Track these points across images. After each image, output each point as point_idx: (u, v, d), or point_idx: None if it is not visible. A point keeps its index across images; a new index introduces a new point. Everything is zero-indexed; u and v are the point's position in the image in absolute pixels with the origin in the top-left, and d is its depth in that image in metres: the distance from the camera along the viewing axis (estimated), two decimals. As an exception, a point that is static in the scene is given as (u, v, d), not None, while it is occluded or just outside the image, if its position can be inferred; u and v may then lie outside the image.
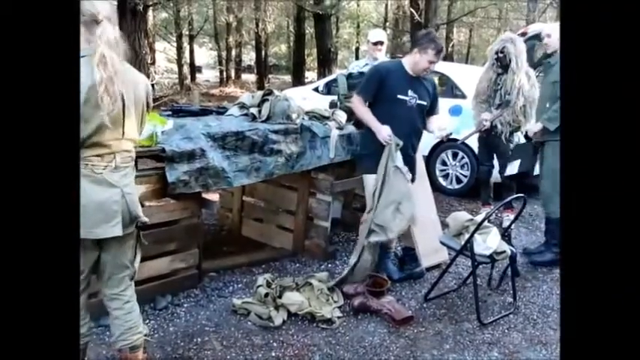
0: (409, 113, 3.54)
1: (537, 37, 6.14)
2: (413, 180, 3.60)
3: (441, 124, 3.76)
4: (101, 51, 1.94)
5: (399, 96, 3.49)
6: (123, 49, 2.04)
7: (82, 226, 1.92)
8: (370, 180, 3.52)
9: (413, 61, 3.51)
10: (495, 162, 5.01)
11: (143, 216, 2.23)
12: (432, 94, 3.67)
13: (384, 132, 3.42)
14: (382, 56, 4.79)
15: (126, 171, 2.15)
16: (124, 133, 2.09)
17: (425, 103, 3.60)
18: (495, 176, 5.09)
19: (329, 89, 6.99)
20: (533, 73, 4.86)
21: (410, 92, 3.51)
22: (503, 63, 4.63)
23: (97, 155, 2.03)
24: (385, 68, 3.61)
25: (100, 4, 2.02)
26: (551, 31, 4.06)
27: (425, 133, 3.80)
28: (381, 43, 4.73)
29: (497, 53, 4.64)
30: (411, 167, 3.58)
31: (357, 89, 3.70)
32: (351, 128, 4.03)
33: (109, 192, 2.07)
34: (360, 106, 3.59)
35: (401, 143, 3.44)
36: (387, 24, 20.45)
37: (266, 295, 3.19)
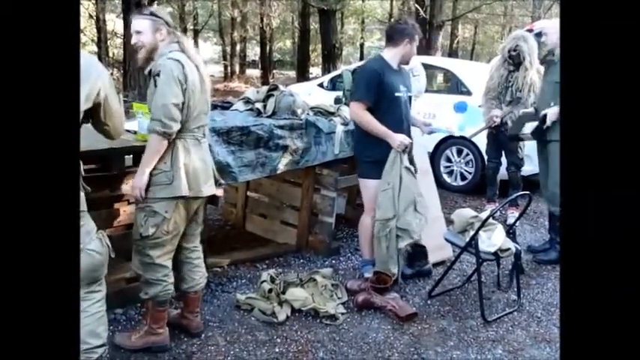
0: (405, 108, 3.44)
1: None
2: (416, 170, 3.49)
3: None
4: (193, 50, 2.57)
5: (396, 94, 3.37)
6: None
7: (190, 187, 2.48)
8: (371, 184, 3.41)
9: (402, 53, 3.39)
10: (503, 159, 5.02)
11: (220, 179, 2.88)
12: (410, 78, 3.64)
13: (398, 140, 3.29)
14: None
15: (206, 141, 2.70)
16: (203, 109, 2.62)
17: (411, 93, 3.55)
18: (502, 173, 5.10)
19: (334, 85, 6.98)
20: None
21: (401, 87, 3.40)
22: (515, 61, 4.64)
23: (199, 127, 2.57)
24: (380, 67, 3.37)
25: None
26: (547, 28, 4.02)
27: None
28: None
29: (509, 51, 4.64)
30: (411, 160, 3.45)
31: (354, 96, 3.41)
32: (356, 124, 4.02)
33: (208, 156, 2.66)
34: (362, 113, 3.32)
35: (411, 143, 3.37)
36: (392, 20, 20.39)
37: (270, 290, 3.19)
